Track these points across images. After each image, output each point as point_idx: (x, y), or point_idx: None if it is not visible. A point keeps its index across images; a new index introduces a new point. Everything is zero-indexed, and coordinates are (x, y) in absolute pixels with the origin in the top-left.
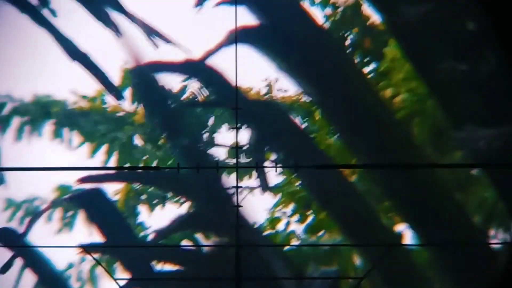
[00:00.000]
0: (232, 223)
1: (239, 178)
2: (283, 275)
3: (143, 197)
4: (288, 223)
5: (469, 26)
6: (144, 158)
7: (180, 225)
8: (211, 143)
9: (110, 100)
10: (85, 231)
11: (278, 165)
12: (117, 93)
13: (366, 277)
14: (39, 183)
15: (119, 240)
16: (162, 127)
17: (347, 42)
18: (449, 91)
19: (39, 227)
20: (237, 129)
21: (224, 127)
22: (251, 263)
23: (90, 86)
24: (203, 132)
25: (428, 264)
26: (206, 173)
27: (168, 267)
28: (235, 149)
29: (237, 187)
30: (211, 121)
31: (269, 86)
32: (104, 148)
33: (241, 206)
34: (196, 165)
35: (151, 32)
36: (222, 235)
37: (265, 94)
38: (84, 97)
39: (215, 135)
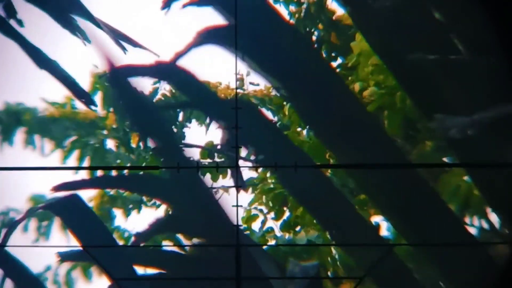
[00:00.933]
0: (215, 224)
1: (214, 178)
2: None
3: (118, 202)
4: (264, 221)
5: (436, 16)
6: (118, 162)
7: (160, 228)
8: (184, 142)
9: (80, 106)
10: (62, 239)
11: (278, 165)
12: (87, 99)
13: (366, 277)
14: (13, 195)
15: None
16: (134, 130)
17: (314, 38)
18: (419, 82)
19: (16, 238)
20: (237, 128)
21: (194, 123)
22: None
23: (60, 92)
24: (173, 128)
25: (408, 255)
26: (185, 174)
27: (151, 270)
28: (235, 149)
29: (237, 186)
30: (180, 117)
31: (241, 80)
32: (75, 153)
33: (241, 206)
34: (193, 165)
35: (119, 37)
36: (204, 236)
37: (236, 89)
38: (54, 103)
39: (185, 130)
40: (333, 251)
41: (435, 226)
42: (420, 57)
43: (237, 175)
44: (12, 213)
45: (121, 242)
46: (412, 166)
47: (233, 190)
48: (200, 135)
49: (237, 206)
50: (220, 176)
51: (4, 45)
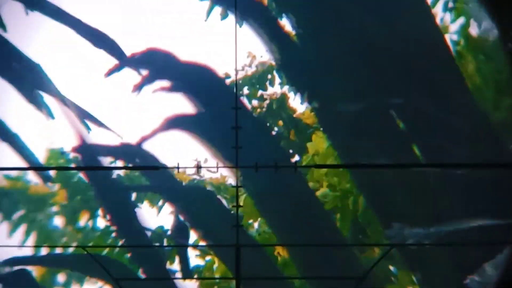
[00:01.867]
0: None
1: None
2: None
3: (61, 278)
4: None
5: (400, 126)
6: (64, 239)
7: None
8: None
9: (32, 180)
10: None
11: (278, 165)
12: (45, 175)
13: (366, 276)
14: None
15: None
16: (86, 209)
17: (273, 132)
18: (378, 190)
19: None
20: (237, 129)
21: (146, 204)
22: None
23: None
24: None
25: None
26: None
27: None
28: (235, 149)
29: (237, 187)
30: (133, 197)
31: (198, 167)
32: (22, 228)
33: (241, 206)
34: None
35: (84, 115)
36: None
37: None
38: (6, 176)
39: (136, 210)
40: None
41: None
42: (380, 164)
43: (237, 174)
44: None
45: None
46: (409, 166)
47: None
48: (151, 216)
49: (237, 206)
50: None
51: None
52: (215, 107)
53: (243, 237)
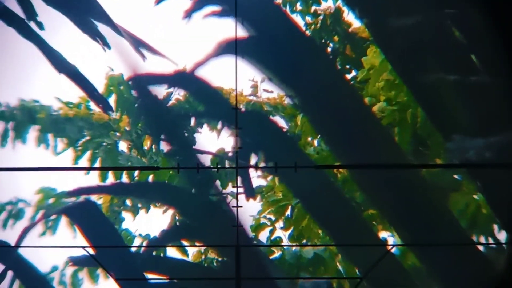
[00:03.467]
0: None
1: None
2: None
3: (128, 202)
4: (272, 230)
5: (458, 36)
6: (129, 164)
7: (174, 236)
8: (196, 148)
9: (94, 107)
10: (69, 236)
11: (278, 166)
12: (105, 104)
13: (366, 277)
14: (22, 186)
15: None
16: (149, 133)
17: (329, 49)
18: (436, 101)
19: (21, 228)
20: (237, 129)
21: (206, 128)
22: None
23: (75, 92)
24: (184, 132)
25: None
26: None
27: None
28: (235, 151)
29: (237, 187)
30: (192, 122)
31: (255, 87)
32: (88, 154)
33: (241, 207)
34: (196, 165)
35: (138, 44)
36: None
37: (250, 95)
38: (69, 103)
39: (196, 135)
40: (338, 265)
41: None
42: (439, 77)
43: (236, 176)
44: (21, 204)
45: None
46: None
47: (241, 196)
48: (211, 141)
49: (237, 206)
50: (230, 183)
51: (24, 47)
52: (266, 30)
53: (302, 157)
